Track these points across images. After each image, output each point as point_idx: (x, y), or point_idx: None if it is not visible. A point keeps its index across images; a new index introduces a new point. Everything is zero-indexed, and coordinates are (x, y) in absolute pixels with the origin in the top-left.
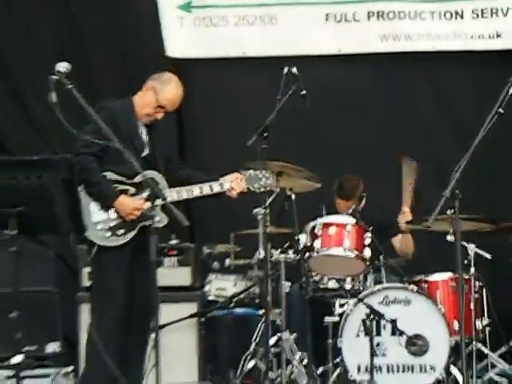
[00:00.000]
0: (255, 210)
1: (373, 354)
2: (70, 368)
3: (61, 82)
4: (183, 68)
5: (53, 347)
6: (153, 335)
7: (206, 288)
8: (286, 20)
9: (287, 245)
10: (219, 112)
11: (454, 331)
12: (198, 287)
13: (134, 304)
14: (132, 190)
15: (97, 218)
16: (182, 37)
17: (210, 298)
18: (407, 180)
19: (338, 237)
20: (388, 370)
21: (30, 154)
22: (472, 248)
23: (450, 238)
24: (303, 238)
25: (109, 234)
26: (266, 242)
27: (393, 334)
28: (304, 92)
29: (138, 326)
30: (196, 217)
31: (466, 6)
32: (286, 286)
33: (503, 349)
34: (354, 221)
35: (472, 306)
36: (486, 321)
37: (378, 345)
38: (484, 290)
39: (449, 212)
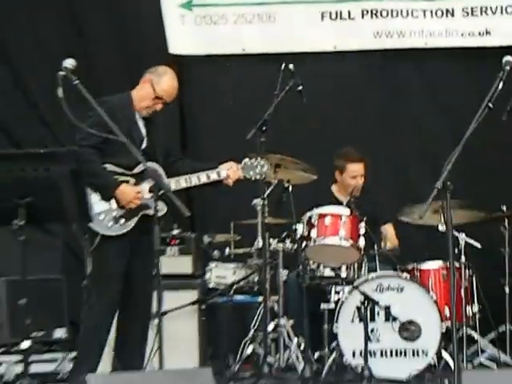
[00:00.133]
0: (254, 201)
1: (367, 340)
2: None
3: (67, 78)
4: (185, 64)
5: (60, 333)
6: (156, 321)
7: (207, 276)
8: (284, 18)
9: (285, 234)
10: (220, 107)
11: (445, 317)
12: (198, 275)
13: (134, 291)
14: (132, 180)
15: (98, 209)
16: (183, 34)
17: (211, 285)
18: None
19: (333, 227)
20: (382, 355)
21: (37, 147)
22: (462, 237)
23: (441, 227)
24: (300, 228)
25: (111, 223)
26: (265, 231)
27: (386, 320)
28: (300, 88)
29: (139, 314)
30: (197, 207)
31: (457, 5)
32: (283, 274)
33: (492, 334)
34: (348, 211)
35: (462, 293)
36: (476, 307)
37: (372, 331)
38: (474, 278)
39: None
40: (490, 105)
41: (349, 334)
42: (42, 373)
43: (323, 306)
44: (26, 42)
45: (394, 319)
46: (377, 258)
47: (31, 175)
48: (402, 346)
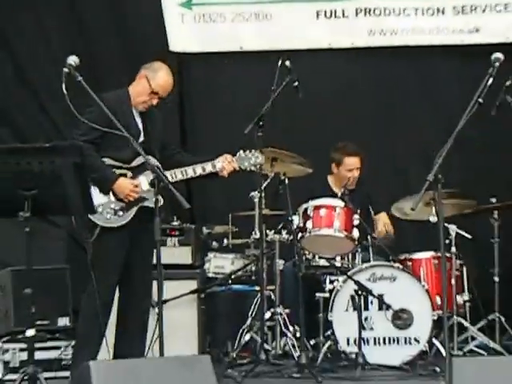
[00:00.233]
0: (251, 194)
1: (361, 328)
2: None
3: (71, 74)
4: (185, 62)
5: (63, 321)
6: (156, 310)
7: (206, 266)
8: (280, 16)
9: (281, 226)
10: (218, 102)
11: (437, 306)
12: (198, 265)
13: (133, 281)
14: (129, 174)
15: (97, 201)
16: (183, 33)
17: (210, 275)
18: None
19: (328, 218)
20: (375, 343)
21: (41, 141)
22: (453, 229)
23: (432, 219)
24: (296, 220)
25: (109, 215)
26: (262, 223)
27: (379, 308)
28: (296, 83)
29: (139, 303)
30: (196, 200)
31: (447, 3)
32: (280, 264)
33: (482, 322)
34: (342, 204)
35: (453, 282)
36: (466, 296)
37: (365, 319)
38: (464, 268)
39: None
40: (480, 100)
41: (343, 322)
42: (46, 359)
43: (318, 295)
44: (30, 39)
45: (387, 308)
46: (370, 249)
47: (37, 168)
48: (394, 334)
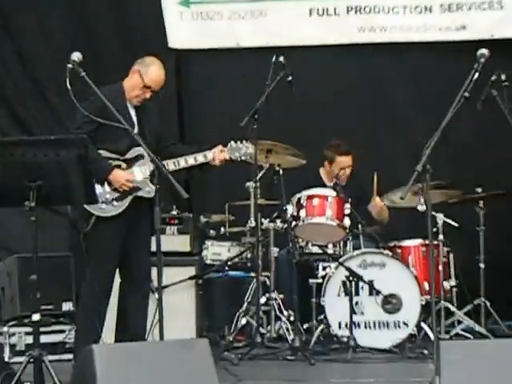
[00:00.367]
0: (247, 184)
1: (352, 312)
2: None
3: (74, 70)
4: (184, 57)
5: (67, 306)
6: (156, 295)
7: (203, 253)
8: (275, 14)
9: (276, 214)
10: (216, 96)
11: (425, 291)
12: (196, 252)
13: (132, 268)
14: (124, 165)
15: None
16: (182, 30)
17: (207, 262)
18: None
19: (320, 207)
20: (366, 326)
21: (45, 133)
22: (441, 217)
23: (420, 208)
24: (290, 209)
25: (104, 205)
26: (257, 212)
27: (370, 294)
28: (290, 78)
29: (138, 288)
30: (194, 190)
31: (435, 2)
32: (274, 251)
33: (468, 307)
34: (334, 193)
35: (440, 268)
36: (453, 282)
37: (356, 304)
38: (451, 255)
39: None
40: (467, 94)
41: (335, 307)
42: (50, 343)
43: (311, 280)
44: (36, 36)
45: (377, 293)
46: (361, 237)
47: (42, 160)
48: (384, 318)
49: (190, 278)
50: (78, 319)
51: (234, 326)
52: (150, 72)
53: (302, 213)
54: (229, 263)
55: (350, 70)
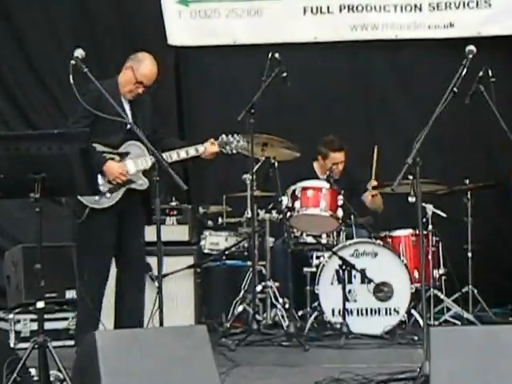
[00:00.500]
0: (244, 176)
1: (345, 300)
2: None
3: (77, 66)
4: (183, 54)
5: (71, 294)
6: (156, 284)
7: (202, 243)
8: (270, 12)
9: (271, 206)
10: (213, 92)
11: (415, 279)
12: (194, 242)
13: (127, 257)
14: (117, 158)
15: None
16: (180, 28)
17: (205, 251)
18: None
19: (314, 199)
20: (358, 313)
21: (50, 127)
22: (430, 208)
23: (410, 199)
24: (285, 200)
25: (98, 197)
26: (253, 203)
27: (362, 282)
28: (285, 74)
29: (134, 276)
30: (193, 182)
31: (424, 1)
32: (270, 241)
33: (456, 295)
34: (328, 185)
35: (430, 257)
36: (441, 270)
37: (349, 291)
38: (440, 244)
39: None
40: (455, 89)
41: (328, 295)
42: (54, 329)
43: (306, 269)
44: (41, 33)
45: (369, 281)
46: (353, 227)
47: (46, 153)
48: (376, 305)
49: (189, 267)
50: (78, 310)
51: (231, 313)
52: (142, 68)
53: (297, 204)
54: (226, 252)
55: (342, 66)
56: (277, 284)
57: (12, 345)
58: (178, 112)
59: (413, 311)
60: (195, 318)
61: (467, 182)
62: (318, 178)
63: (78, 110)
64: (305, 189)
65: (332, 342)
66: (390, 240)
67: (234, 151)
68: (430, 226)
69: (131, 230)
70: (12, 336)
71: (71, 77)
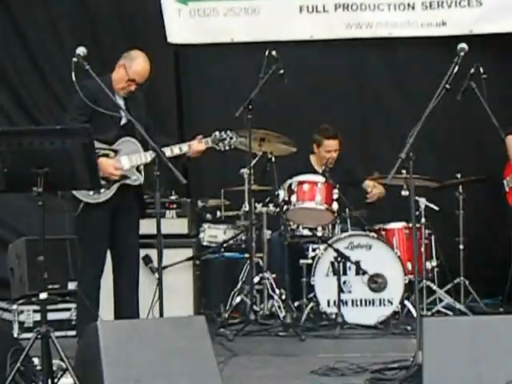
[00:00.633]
0: (242, 171)
1: (340, 291)
2: None
3: (79, 63)
4: (182, 54)
5: (72, 286)
6: (156, 275)
7: (201, 235)
8: (267, 11)
9: (268, 199)
10: (211, 89)
11: (408, 271)
12: (193, 235)
13: (121, 250)
14: (112, 154)
15: None
16: (180, 26)
17: (204, 243)
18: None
19: (310, 192)
20: (353, 304)
21: (53, 123)
22: (423, 201)
23: (404, 193)
24: (282, 194)
25: (92, 192)
26: (251, 197)
27: (357, 273)
28: (282, 71)
29: (129, 268)
30: (192, 176)
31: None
32: (267, 233)
33: (449, 286)
34: (323, 179)
35: (423, 250)
36: (434, 262)
37: (344, 283)
38: (433, 237)
39: (404, 172)
40: (447, 86)
41: (324, 286)
42: (57, 320)
43: (302, 261)
44: (43, 32)
45: (364, 273)
46: (348, 220)
47: (49, 148)
48: (370, 296)
49: (188, 259)
50: (77, 299)
51: (229, 304)
52: (134, 65)
53: (293, 198)
54: (224, 245)
55: (338, 63)
56: (274, 275)
57: (15, 335)
58: (178, 112)
59: (406, 302)
60: (194, 308)
61: (459, 176)
62: (314, 171)
63: (74, 106)
64: (301, 183)
65: (327, 332)
66: (383, 233)
67: (227, 148)
68: (423, 219)
69: (125, 226)
70: (16, 326)
71: (73, 74)
